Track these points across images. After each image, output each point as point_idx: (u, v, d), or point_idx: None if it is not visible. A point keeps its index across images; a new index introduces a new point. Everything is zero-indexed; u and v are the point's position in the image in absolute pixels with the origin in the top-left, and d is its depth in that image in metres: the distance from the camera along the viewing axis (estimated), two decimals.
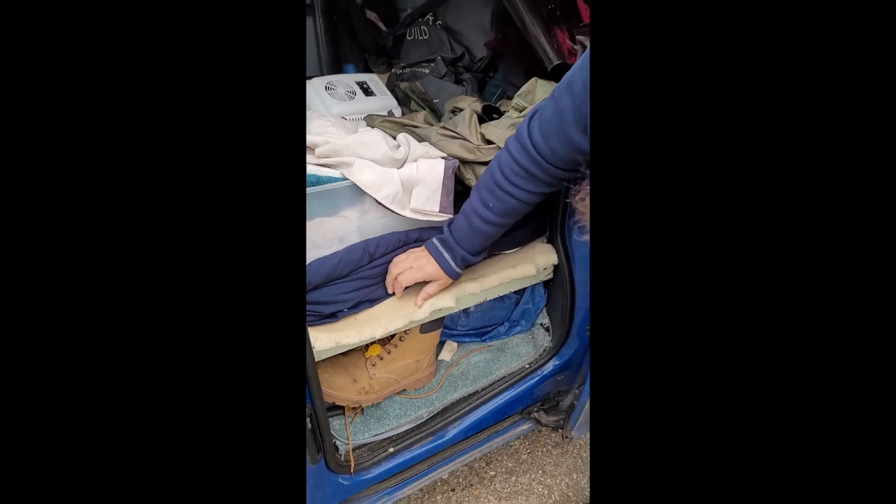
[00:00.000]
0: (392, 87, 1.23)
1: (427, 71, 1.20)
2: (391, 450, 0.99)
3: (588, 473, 1.33)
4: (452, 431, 1.05)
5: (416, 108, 1.13)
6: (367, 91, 1.15)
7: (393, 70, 1.31)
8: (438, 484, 1.30)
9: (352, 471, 0.94)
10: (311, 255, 0.82)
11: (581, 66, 0.67)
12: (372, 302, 0.87)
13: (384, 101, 1.16)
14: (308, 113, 1.03)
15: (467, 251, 0.84)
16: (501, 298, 1.12)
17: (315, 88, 1.11)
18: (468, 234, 0.82)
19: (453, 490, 1.29)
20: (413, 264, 0.84)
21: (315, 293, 0.80)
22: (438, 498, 1.27)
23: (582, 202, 0.61)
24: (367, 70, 1.44)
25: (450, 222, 0.85)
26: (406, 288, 0.88)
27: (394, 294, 0.89)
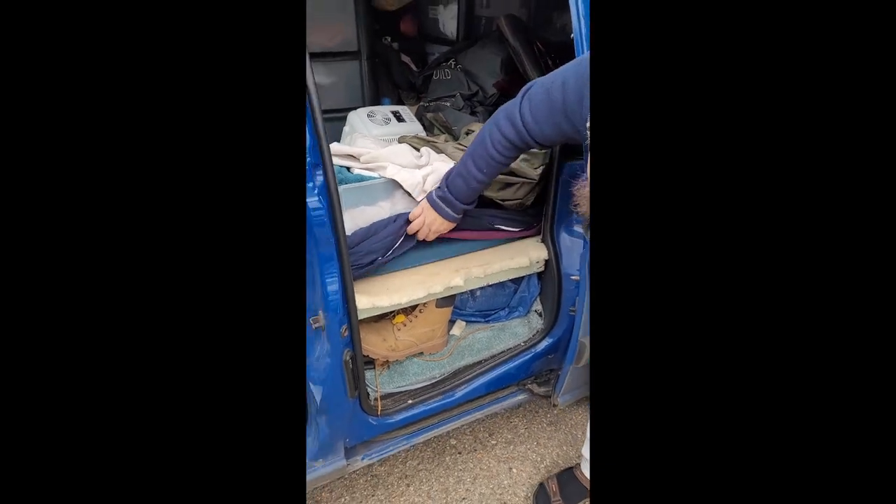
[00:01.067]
0: (420, 116, 1.52)
1: (448, 104, 1.48)
2: (410, 401, 1.23)
3: (576, 446, 1.54)
4: (460, 392, 1.29)
5: (439, 132, 1.42)
6: (400, 118, 1.45)
7: (421, 103, 1.60)
8: (448, 448, 1.53)
9: (378, 413, 1.19)
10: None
11: (574, 67, 0.85)
12: (397, 249, 1.12)
13: (412, 127, 1.45)
14: (354, 134, 1.34)
15: (464, 202, 1.07)
16: (502, 286, 1.38)
17: (359, 115, 1.41)
18: (465, 191, 1.05)
19: (459, 453, 1.52)
20: (426, 218, 1.09)
21: (354, 249, 1.06)
22: (447, 459, 1.50)
23: (580, 191, 0.78)
24: (400, 102, 1.74)
25: (447, 182, 1.07)
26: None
27: (414, 243, 1.14)
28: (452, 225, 1.12)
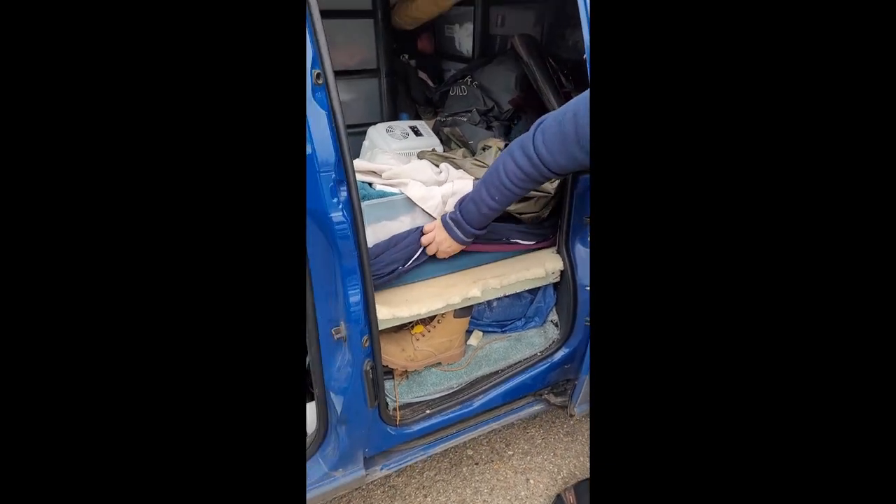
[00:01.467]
0: (437, 131, 1.56)
1: (465, 119, 1.52)
2: (428, 412, 1.25)
3: None
4: (477, 402, 1.30)
5: (455, 147, 1.46)
6: (418, 133, 1.49)
7: (438, 118, 1.64)
8: (465, 459, 1.54)
9: (397, 423, 1.21)
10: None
11: (585, 98, 0.88)
12: (418, 259, 1.16)
13: (430, 141, 1.49)
14: (374, 150, 1.38)
15: (475, 227, 1.10)
16: (519, 297, 1.40)
17: (378, 130, 1.45)
18: (477, 217, 1.08)
19: (476, 464, 1.53)
20: (437, 236, 1.13)
21: (376, 259, 1.10)
22: (464, 469, 1.51)
23: None
24: (417, 117, 1.79)
25: (460, 206, 1.10)
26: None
27: (434, 256, 1.18)
28: (461, 247, 1.16)
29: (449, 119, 1.58)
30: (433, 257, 1.19)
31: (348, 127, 1.34)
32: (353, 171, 0.94)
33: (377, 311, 1.09)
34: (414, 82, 1.76)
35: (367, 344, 1.05)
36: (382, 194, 1.16)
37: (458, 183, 1.21)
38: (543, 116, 1.00)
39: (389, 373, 1.27)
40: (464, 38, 1.69)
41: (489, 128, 1.48)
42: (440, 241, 1.14)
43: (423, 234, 1.14)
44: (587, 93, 0.91)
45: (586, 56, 1.04)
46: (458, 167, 1.26)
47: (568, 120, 0.91)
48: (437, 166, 1.27)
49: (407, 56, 1.81)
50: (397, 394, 1.24)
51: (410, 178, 1.18)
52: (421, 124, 1.53)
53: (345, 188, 0.94)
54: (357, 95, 1.68)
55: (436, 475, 1.49)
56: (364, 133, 1.51)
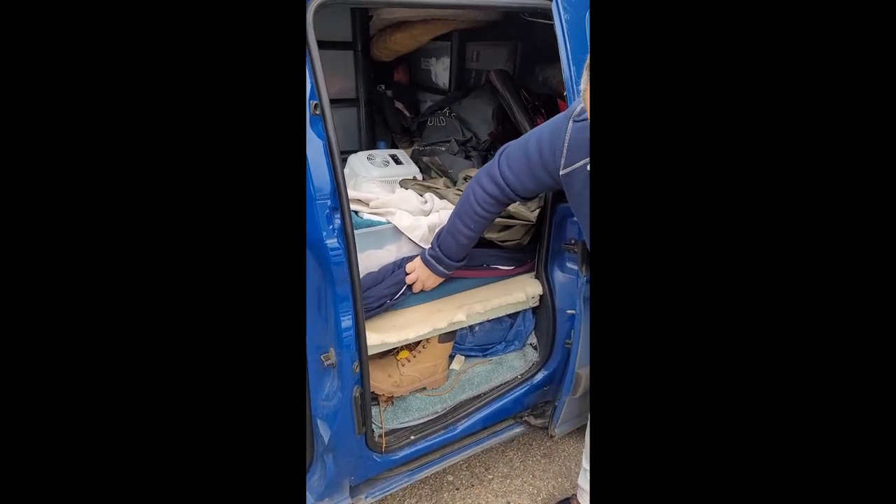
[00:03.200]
0: (416, 160, 1.60)
1: (443, 149, 1.57)
2: (413, 437, 1.25)
3: (570, 478, 1.57)
4: (461, 426, 1.31)
5: (436, 175, 1.50)
6: (398, 161, 1.52)
7: (415, 146, 1.69)
8: (445, 484, 1.53)
9: (382, 450, 1.20)
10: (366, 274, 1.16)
11: (549, 125, 0.98)
12: (404, 294, 1.19)
13: (410, 169, 1.52)
14: (357, 178, 1.40)
15: (455, 260, 1.15)
16: (499, 321, 1.43)
17: (359, 158, 1.48)
18: (455, 248, 1.13)
19: (457, 489, 1.53)
20: (420, 275, 1.17)
21: (366, 293, 1.11)
22: (445, 495, 1.50)
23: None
24: (394, 146, 1.83)
25: (438, 241, 1.14)
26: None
27: (421, 290, 1.21)
28: (442, 280, 1.21)
29: (428, 148, 1.63)
30: None
31: None
32: (348, 200, 0.97)
33: (367, 337, 1.10)
34: (390, 112, 1.80)
35: (357, 370, 1.05)
36: (370, 223, 1.18)
37: (443, 213, 1.25)
38: (506, 144, 1.09)
39: (375, 399, 1.27)
40: (440, 71, 1.76)
41: (467, 157, 1.53)
42: (424, 278, 1.18)
43: (406, 273, 1.18)
44: (549, 120, 1.00)
45: (566, 82, 1.12)
46: (441, 197, 1.30)
47: (532, 148, 1.00)
48: (422, 196, 1.31)
49: (383, 86, 1.86)
50: (383, 420, 1.23)
51: (398, 207, 1.21)
52: (400, 153, 1.57)
53: (339, 216, 0.96)
54: (337, 123, 1.70)
55: (417, 502, 1.47)
56: (344, 161, 1.53)
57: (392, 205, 1.20)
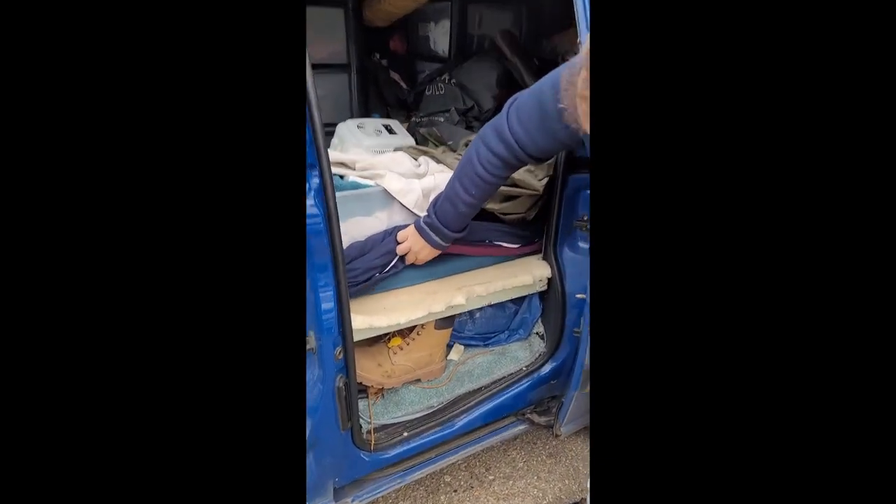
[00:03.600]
0: (412, 132, 1.46)
1: (442, 119, 1.44)
2: (405, 434, 1.12)
3: (578, 480, 1.44)
4: (459, 423, 1.18)
5: (433, 147, 1.36)
6: (391, 131, 1.39)
7: (412, 118, 1.55)
8: (442, 485, 1.40)
9: (371, 448, 1.07)
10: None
11: (567, 68, 0.74)
12: (395, 266, 1.04)
13: (405, 140, 1.39)
14: (344, 147, 1.26)
15: (453, 230, 0.99)
16: (503, 308, 1.30)
17: (348, 126, 1.34)
18: (454, 217, 0.97)
19: (455, 491, 1.39)
20: (413, 245, 1.01)
21: (351, 265, 0.97)
22: (442, 497, 1.37)
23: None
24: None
25: (435, 208, 0.99)
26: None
27: (413, 263, 1.07)
28: (439, 252, 1.05)
29: (425, 119, 1.49)
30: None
31: None
32: (327, 155, 0.83)
33: (352, 320, 0.96)
34: (385, 83, 1.66)
35: (340, 356, 0.92)
36: (356, 185, 1.04)
37: (439, 178, 1.11)
38: (516, 94, 0.89)
39: (363, 391, 1.13)
40: (440, 36, 1.62)
41: (469, 127, 1.39)
42: (417, 249, 1.03)
43: (398, 242, 1.03)
44: (568, 62, 0.78)
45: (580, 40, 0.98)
46: (438, 161, 1.16)
47: (547, 95, 0.80)
48: (416, 160, 1.17)
49: (378, 56, 1.72)
50: (372, 414, 1.10)
51: (387, 169, 1.07)
52: (394, 123, 1.44)
53: (317, 173, 0.82)
54: (325, 92, 1.57)
55: None
56: (333, 132, 1.39)
57: (381, 167, 1.06)
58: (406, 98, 1.66)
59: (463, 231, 1.03)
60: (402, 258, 1.05)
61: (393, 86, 1.69)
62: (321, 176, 0.82)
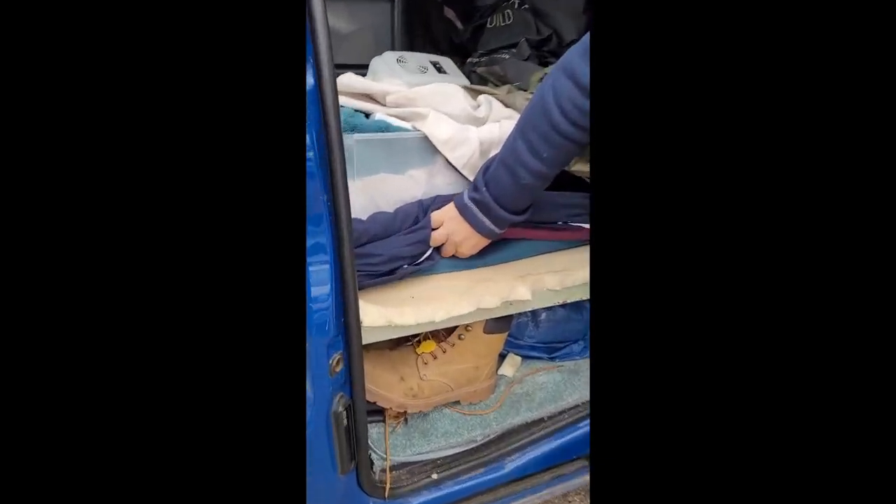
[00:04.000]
0: (468, 74, 1.14)
1: (507, 56, 1.11)
2: (435, 476, 0.83)
3: None
4: (511, 465, 0.89)
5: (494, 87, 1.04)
6: (440, 69, 1.06)
7: (469, 60, 1.23)
8: None
9: (385, 495, 0.78)
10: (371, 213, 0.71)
11: None
12: (431, 259, 0.75)
13: (457, 81, 1.07)
14: (377, 74, 0.96)
15: (511, 211, 0.71)
16: (580, 309, 0.97)
17: (385, 60, 1.03)
18: (513, 192, 0.68)
19: None
20: (452, 232, 0.74)
21: (369, 247, 0.67)
22: None
23: None
24: None
25: (485, 177, 0.70)
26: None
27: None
28: (488, 242, 0.77)
29: (485, 59, 1.17)
30: None
31: (348, 66, 0.92)
32: (332, 71, 0.52)
33: (361, 312, 0.65)
34: (436, 19, 1.37)
35: (339, 367, 0.62)
36: (385, 127, 0.73)
37: (506, 124, 0.79)
38: None
39: (378, 413, 0.83)
40: None
41: (544, 64, 1.05)
42: (459, 239, 0.74)
43: (433, 228, 0.75)
44: None
45: None
46: (507, 105, 0.84)
47: None
48: (475, 100, 0.84)
49: None
50: (388, 447, 0.80)
51: (433, 106, 0.75)
52: (446, 60, 1.12)
53: (312, 73, 0.52)
54: (361, 25, 1.27)
55: None
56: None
57: (423, 102, 0.75)
58: (460, 40, 1.35)
59: (525, 213, 0.73)
60: (437, 249, 0.77)
61: (445, 24, 1.39)
62: (321, 99, 0.52)
